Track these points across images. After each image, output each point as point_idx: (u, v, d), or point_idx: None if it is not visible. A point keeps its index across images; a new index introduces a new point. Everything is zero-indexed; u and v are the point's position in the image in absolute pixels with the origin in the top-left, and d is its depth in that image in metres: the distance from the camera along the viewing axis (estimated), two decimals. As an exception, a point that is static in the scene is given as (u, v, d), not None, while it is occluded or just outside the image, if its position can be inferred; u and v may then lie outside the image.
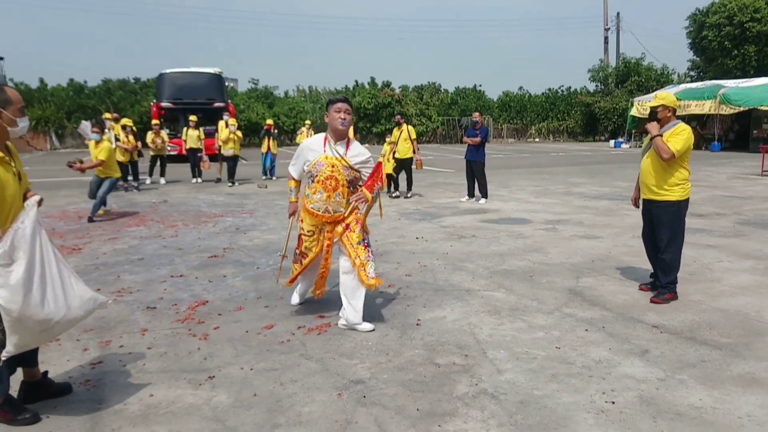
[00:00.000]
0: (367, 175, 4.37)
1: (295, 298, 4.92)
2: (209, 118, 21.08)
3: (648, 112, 5.16)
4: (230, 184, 14.85)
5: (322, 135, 4.38)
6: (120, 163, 13.96)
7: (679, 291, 5.04)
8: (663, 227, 4.99)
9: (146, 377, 3.56)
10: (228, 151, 14.88)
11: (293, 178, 4.57)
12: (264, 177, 16.13)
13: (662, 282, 4.99)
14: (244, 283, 5.67)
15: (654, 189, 4.97)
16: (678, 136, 4.80)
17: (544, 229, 8.24)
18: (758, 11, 35.36)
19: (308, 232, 4.40)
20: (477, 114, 11.75)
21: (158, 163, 15.66)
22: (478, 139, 11.16)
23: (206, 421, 3.03)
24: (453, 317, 4.59)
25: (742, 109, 25.97)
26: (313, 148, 4.30)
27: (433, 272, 5.96)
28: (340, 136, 4.28)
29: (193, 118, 16.21)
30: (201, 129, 16.16)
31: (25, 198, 3.07)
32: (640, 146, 5.33)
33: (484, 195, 11.23)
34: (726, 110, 26.45)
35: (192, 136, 15.82)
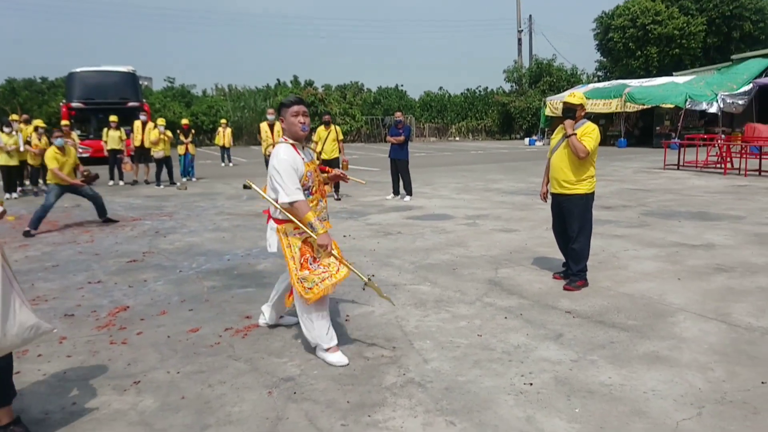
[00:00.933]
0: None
1: (267, 318, 4.34)
2: (124, 119, 20.34)
3: (562, 108, 5.41)
4: (161, 185, 14.49)
5: (287, 145, 3.73)
6: (32, 167, 13.31)
7: (589, 278, 5.37)
8: (573, 219, 5.30)
9: (68, 385, 3.45)
10: (158, 153, 14.41)
11: (307, 205, 3.65)
12: (184, 178, 15.74)
13: (574, 270, 5.31)
14: (167, 287, 5.55)
15: (564, 184, 5.27)
16: (589, 136, 5.12)
17: (466, 224, 8.52)
18: (659, 14, 37.79)
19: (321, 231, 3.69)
20: (399, 113, 11.99)
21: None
22: (402, 138, 11.36)
23: (133, 426, 2.98)
24: (381, 311, 4.70)
25: (645, 107, 27.66)
26: (298, 162, 3.68)
27: (361, 269, 6.04)
28: (301, 142, 3.83)
29: (113, 118, 15.64)
30: (122, 129, 15.59)
31: None
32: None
33: (409, 192, 11.45)
34: (631, 108, 28.09)
35: (113, 137, 15.27)
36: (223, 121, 18.53)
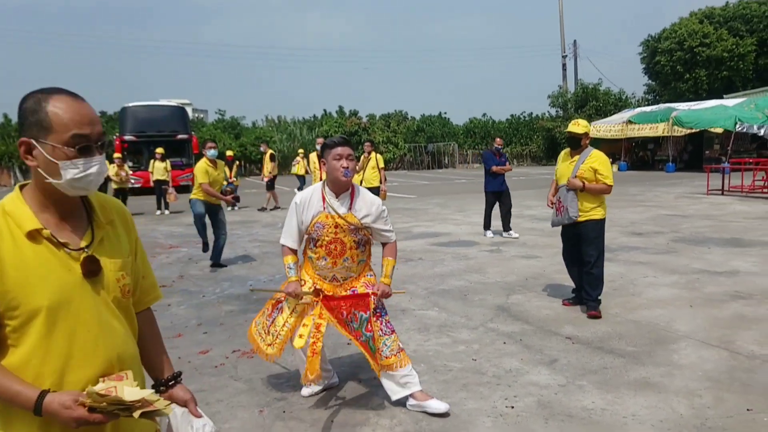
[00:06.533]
0: (385, 230, 3.54)
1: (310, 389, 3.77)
2: (174, 150, 21.34)
3: (567, 138, 5.53)
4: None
5: (317, 187, 3.48)
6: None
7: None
8: (591, 244, 5.31)
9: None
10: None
11: (290, 251, 3.52)
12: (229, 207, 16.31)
13: (593, 296, 5.27)
14: (188, 311, 5.83)
15: (580, 212, 5.32)
16: (604, 166, 5.18)
17: (489, 251, 8.57)
18: (707, 36, 36.96)
19: (308, 288, 3.49)
20: (500, 140, 10.53)
21: (120, 196, 15.75)
22: (509, 167, 10.39)
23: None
24: (382, 336, 4.82)
25: (693, 130, 27.00)
26: (308, 206, 3.42)
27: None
28: (342, 188, 3.40)
29: (159, 150, 16.38)
30: (168, 161, 16.34)
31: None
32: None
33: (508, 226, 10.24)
34: (678, 132, 27.46)
35: (159, 168, 15.98)
36: (301, 150, 19.33)
